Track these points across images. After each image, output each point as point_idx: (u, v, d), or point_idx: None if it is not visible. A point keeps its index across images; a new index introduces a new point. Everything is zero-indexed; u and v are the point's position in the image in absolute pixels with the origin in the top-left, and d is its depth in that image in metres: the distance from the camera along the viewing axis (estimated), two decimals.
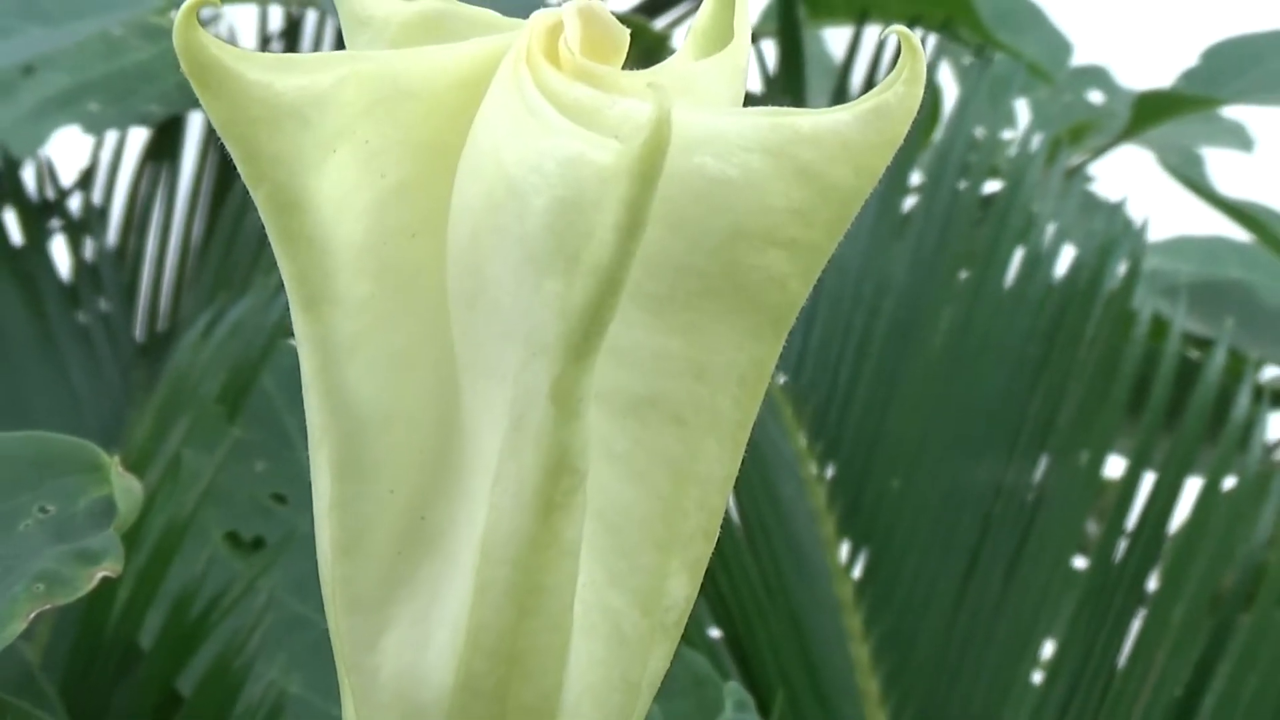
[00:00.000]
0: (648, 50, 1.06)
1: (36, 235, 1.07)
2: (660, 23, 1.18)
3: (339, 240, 0.31)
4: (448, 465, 0.32)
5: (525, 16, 0.31)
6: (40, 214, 1.10)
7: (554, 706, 0.32)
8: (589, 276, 0.27)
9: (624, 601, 0.32)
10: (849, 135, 0.30)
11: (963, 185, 0.90)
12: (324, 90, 0.30)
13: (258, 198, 0.30)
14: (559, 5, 0.31)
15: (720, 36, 0.34)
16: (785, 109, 0.30)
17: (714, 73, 0.33)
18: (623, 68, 0.32)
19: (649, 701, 0.34)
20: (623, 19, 0.32)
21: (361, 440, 0.32)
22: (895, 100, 0.30)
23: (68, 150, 1.13)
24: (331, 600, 0.33)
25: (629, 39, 0.32)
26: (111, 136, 1.15)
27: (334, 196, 0.30)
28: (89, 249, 1.11)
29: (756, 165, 0.30)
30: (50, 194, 1.13)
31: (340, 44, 0.34)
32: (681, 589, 0.33)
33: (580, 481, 0.30)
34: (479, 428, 0.31)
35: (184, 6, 0.29)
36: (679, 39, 1.11)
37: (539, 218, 0.28)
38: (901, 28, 0.31)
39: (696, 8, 0.35)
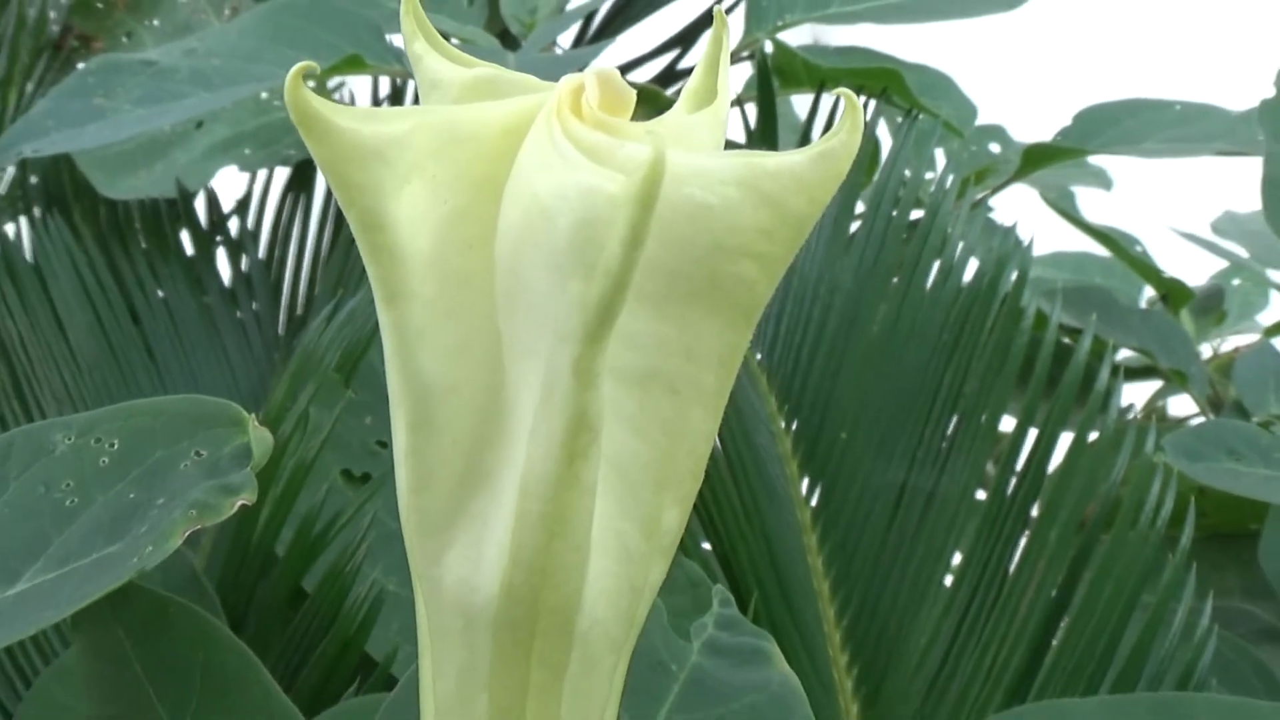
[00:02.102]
0: (661, 110, 1.06)
1: (205, 249, 1.07)
2: (672, 90, 1.18)
3: (412, 251, 0.30)
4: (496, 423, 0.31)
5: (556, 80, 0.30)
6: (208, 233, 1.09)
7: (575, 607, 0.31)
8: (602, 279, 0.27)
9: (630, 528, 0.32)
10: (803, 172, 0.29)
11: (894, 213, 0.89)
12: (400, 136, 0.29)
13: (350, 218, 0.30)
14: (582, 72, 0.30)
15: (707, 96, 0.33)
16: (756, 151, 0.29)
17: (701, 123, 0.32)
18: (633, 119, 0.31)
19: (650, 603, 0.34)
20: (641, 88, 0.31)
21: (429, 404, 0.31)
22: (839, 145, 0.29)
23: (228, 185, 1.12)
24: (407, 526, 0.33)
25: (648, 101, 0.32)
26: (261, 174, 1.14)
27: (408, 218, 0.30)
28: (244, 261, 1.10)
29: (732, 195, 0.29)
30: (214, 218, 1.12)
31: None
32: (675, 519, 0.32)
33: (596, 437, 0.29)
34: (519, 395, 0.30)
35: (292, 71, 0.28)
36: None
37: (564, 234, 0.27)
38: (846, 90, 0.30)
39: None
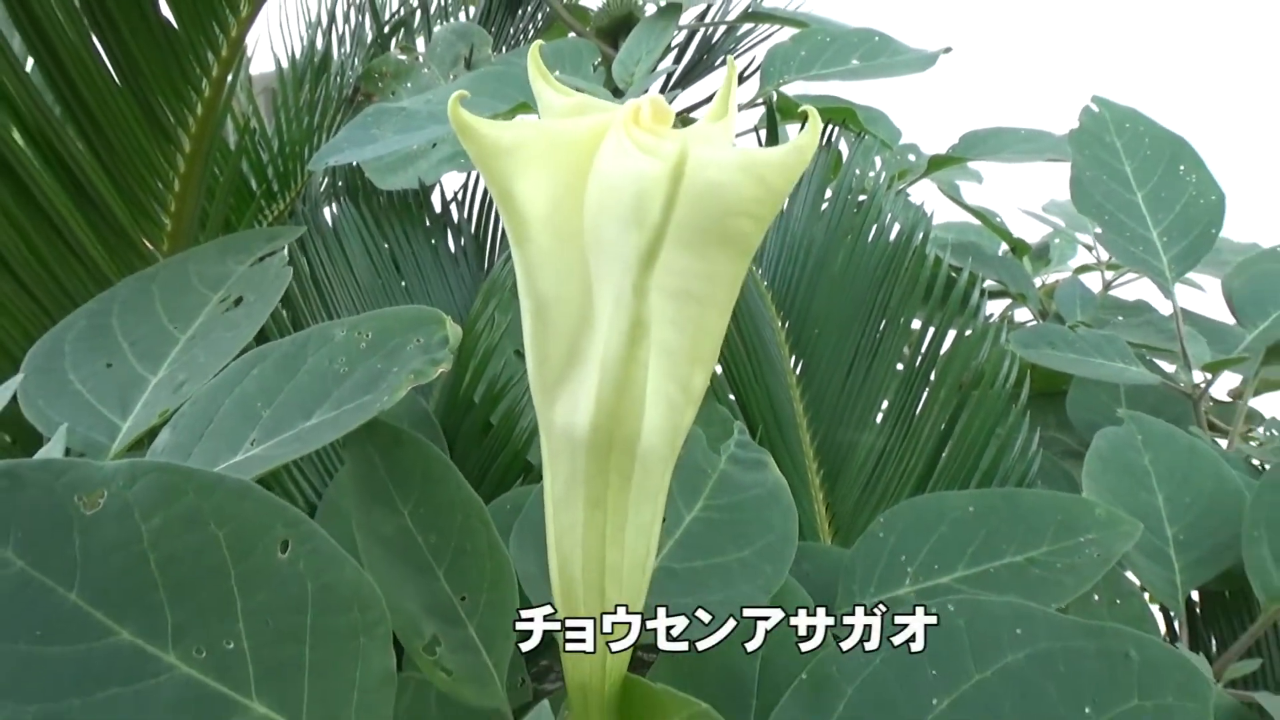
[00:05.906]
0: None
1: (438, 226, 1.04)
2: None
3: (532, 213, 0.28)
4: (586, 322, 0.29)
5: (623, 102, 0.27)
6: (440, 216, 1.06)
7: (636, 439, 0.29)
8: (648, 230, 0.24)
9: (672, 388, 0.29)
10: (783, 160, 0.27)
11: (849, 196, 0.86)
12: (523, 139, 0.27)
13: (492, 192, 0.27)
14: (638, 97, 0.27)
15: (722, 113, 0.30)
16: (754, 149, 0.27)
17: (718, 129, 0.29)
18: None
19: (684, 435, 0.31)
20: (687, 117, 0.28)
21: (544, 310, 0.29)
22: (805, 143, 0.27)
23: (452, 182, 1.09)
24: (533, 387, 0.31)
25: (684, 121, 0.29)
26: (474, 174, 1.11)
27: (529, 191, 0.27)
28: (462, 239, 1.07)
29: (738, 176, 0.26)
30: (444, 204, 1.09)
31: None
32: (700, 382, 0.30)
33: (647, 331, 0.27)
34: (600, 305, 0.28)
35: (451, 97, 0.25)
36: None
37: (626, 201, 0.25)
38: (811, 108, 0.27)
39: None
